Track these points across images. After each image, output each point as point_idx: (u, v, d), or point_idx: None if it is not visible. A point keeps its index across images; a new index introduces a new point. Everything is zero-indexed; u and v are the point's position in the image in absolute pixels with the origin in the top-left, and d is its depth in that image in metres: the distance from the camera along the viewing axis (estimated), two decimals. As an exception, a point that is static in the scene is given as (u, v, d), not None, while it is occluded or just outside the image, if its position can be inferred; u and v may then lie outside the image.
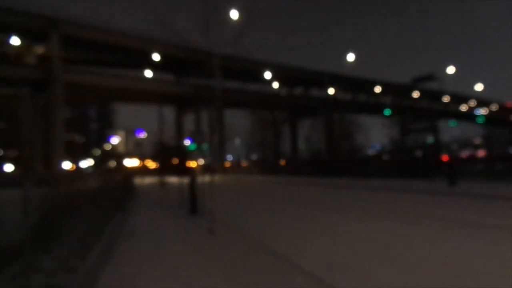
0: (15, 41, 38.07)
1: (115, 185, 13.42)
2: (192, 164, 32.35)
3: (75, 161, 62.94)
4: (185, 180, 14.68)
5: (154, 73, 48.67)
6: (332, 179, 32.64)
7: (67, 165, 50.12)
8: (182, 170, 15.72)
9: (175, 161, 48.57)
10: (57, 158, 40.62)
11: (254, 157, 74.76)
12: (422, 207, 11.80)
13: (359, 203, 13.89)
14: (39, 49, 41.25)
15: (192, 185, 10.92)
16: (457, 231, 7.71)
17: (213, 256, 6.07)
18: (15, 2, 37.17)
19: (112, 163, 71.69)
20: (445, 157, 62.90)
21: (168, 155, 45.55)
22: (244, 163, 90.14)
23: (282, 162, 61.98)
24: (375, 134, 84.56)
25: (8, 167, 55.73)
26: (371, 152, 73.18)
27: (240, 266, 5.38)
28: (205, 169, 27.73)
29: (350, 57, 49.62)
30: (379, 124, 76.30)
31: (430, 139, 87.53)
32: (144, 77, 47.78)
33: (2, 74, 39.38)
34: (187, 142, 45.62)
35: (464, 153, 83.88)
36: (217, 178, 11.68)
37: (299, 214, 11.14)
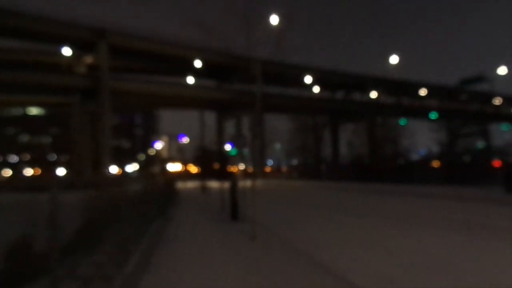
0: (66, 51, 40.18)
1: (158, 189, 13.75)
2: (233, 168, 32.55)
3: (121, 165, 65.40)
4: (226, 185, 14.80)
5: (196, 80, 49.64)
6: (374, 184, 31.77)
7: (114, 169, 52.11)
8: (223, 174, 15.81)
9: (216, 165, 49.23)
10: (105, 163, 42.30)
11: (294, 162, 74.31)
12: (488, 217, 10.71)
13: (411, 211, 13.04)
14: (88, 59, 43.27)
15: (233, 190, 10.88)
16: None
17: (255, 263, 5.93)
18: (66, 14, 39.35)
19: (156, 168, 73.78)
20: (497, 163, 59.65)
21: (209, 160, 46.25)
22: (284, 168, 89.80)
23: (323, 167, 61.22)
24: (422, 139, 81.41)
25: (61, 171, 58.82)
26: (415, 157, 70.60)
27: (284, 274, 5.22)
28: (246, 174, 27.87)
29: (394, 59, 48.28)
30: (426, 128, 73.77)
31: (480, 143, 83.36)
32: (186, 83, 48.84)
33: (54, 83, 41.70)
34: (227, 147, 46.17)
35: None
36: (257, 183, 11.57)
37: (343, 221, 10.69)
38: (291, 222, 10.80)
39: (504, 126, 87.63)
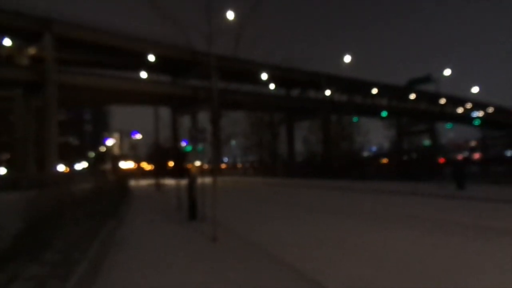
0: (6, 42, 37.38)
1: (108, 187, 12.89)
2: (189, 165, 31.78)
3: (69, 163, 62.16)
4: (182, 182, 14.19)
5: (150, 75, 48.08)
6: (328, 181, 32.25)
7: (61, 168, 49.38)
8: (179, 172, 15.14)
9: (171, 163, 48.02)
10: (51, 161, 39.85)
11: (250, 159, 74.24)
12: (442, 213, 10.80)
13: (368, 207, 13.16)
14: (32, 50, 40.52)
15: (191, 188, 10.22)
16: (497, 240, 6.81)
17: (219, 269, 5.45)
18: (7, 2, 36.46)
19: (107, 165, 70.94)
20: (442, 160, 62.77)
21: (163, 157, 44.96)
22: (239, 165, 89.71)
23: (278, 164, 61.63)
24: (376, 136, 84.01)
25: (0, 170, 54.91)
26: (366, 154, 72.82)
27: (253, 281, 4.81)
28: (202, 170, 27.25)
29: (347, 58, 49.45)
30: (380, 126, 76.35)
31: (426, 141, 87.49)
32: (140, 78, 47.18)
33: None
34: (183, 144, 45.11)
35: (460, 156, 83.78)
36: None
37: (306, 219, 10.43)
38: (252, 220, 10.41)
39: (448, 125, 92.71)
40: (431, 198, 15.18)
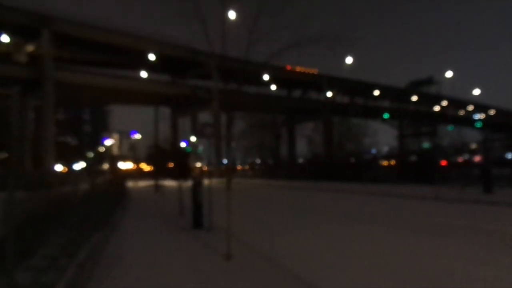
0: (4, 38, 36.59)
1: (105, 189, 12.13)
2: (193, 166, 30.93)
3: (67, 163, 61.36)
4: (184, 184, 13.41)
5: (150, 74, 47.33)
6: (333, 183, 31.57)
7: (58, 167, 48.55)
8: (180, 173, 14.28)
9: (171, 164, 47.25)
10: (48, 160, 39.03)
11: (250, 160, 73.52)
12: (490, 223, 9.63)
13: (396, 213, 12.01)
14: (30, 47, 39.73)
15: (196, 191, 9.13)
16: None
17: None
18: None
19: (105, 166, 70.15)
20: (443, 162, 62.06)
21: (163, 157, 44.19)
22: (239, 167, 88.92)
23: (279, 165, 60.99)
24: (385, 137, 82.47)
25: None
26: (374, 155, 72.05)
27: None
28: (203, 172, 26.48)
29: (348, 60, 48.76)
30: (388, 126, 75.90)
31: (426, 144, 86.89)
32: (139, 77, 46.44)
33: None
34: (183, 144, 44.31)
35: (460, 158, 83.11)
36: (214, 182, 9.55)
37: (330, 229, 9.14)
38: (268, 230, 8.98)
39: (449, 127, 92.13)
40: (461, 203, 14.19)
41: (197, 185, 9.16)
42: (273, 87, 57.13)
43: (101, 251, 6.69)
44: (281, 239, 7.86)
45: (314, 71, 62.44)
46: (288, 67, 57.47)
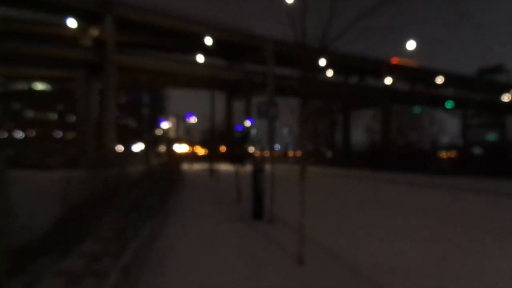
0: (71, 23, 38.22)
1: (161, 170, 12.09)
2: (253, 151, 30.30)
3: (127, 145, 64.02)
4: (241, 169, 13.07)
5: (206, 58, 47.69)
6: (391, 173, 30.18)
7: (119, 148, 50.66)
8: (238, 157, 13.79)
9: (224, 148, 47.62)
10: (110, 141, 40.73)
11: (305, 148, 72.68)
12: None
13: (478, 210, 10.52)
14: (94, 31, 41.28)
15: (257, 178, 8.31)
16: None
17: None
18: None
19: (162, 148, 72.43)
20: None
21: (218, 141, 44.54)
22: (291, 153, 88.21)
23: (332, 153, 59.70)
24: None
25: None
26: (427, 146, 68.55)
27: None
28: (271, 157, 26.16)
29: (411, 45, 46.03)
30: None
31: (491, 136, 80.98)
32: (196, 61, 46.93)
33: (57, 56, 39.89)
34: (246, 125, 44.34)
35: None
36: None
37: (418, 227, 7.91)
38: (340, 227, 7.92)
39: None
40: None
41: (259, 171, 8.40)
42: (330, 72, 55.53)
43: (153, 242, 6.07)
44: (360, 238, 6.87)
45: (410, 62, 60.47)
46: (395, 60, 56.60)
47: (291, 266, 4.94)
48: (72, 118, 68.80)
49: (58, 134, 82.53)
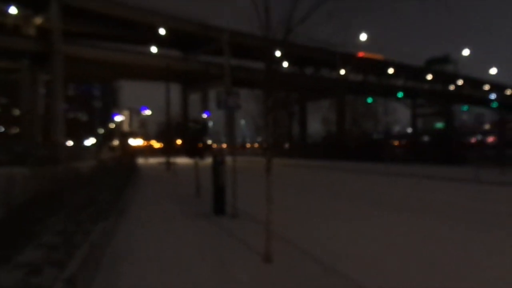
0: (12, 10, 35.69)
1: (114, 165, 11.49)
2: (211, 144, 29.75)
3: (77, 139, 61.27)
4: (200, 162, 12.66)
5: (160, 49, 46.31)
6: (347, 163, 30.86)
7: (68, 143, 48.40)
8: (197, 150, 13.28)
9: (180, 141, 46.76)
10: (58, 136, 38.62)
11: (260, 139, 72.92)
12: None
13: (451, 201, 10.49)
14: (38, 20, 38.77)
15: (217, 171, 8.04)
16: None
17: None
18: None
19: (115, 142, 70.06)
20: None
21: (174, 134, 43.59)
22: (248, 145, 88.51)
23: (290, 144, 60.39)
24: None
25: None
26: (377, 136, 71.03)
27: None
28: (232, 149, 25.82)
29: (363, 37, 47.19)
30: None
31: (438, 124, 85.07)
32: (150, 52, 45.46)
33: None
34: (204, 116, 43.63)
35: (473, 139, 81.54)
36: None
37: (382, 219, 7.71)
38: (304, 220, 7.58)
39: (464, 107, 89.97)
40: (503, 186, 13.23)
41: (219, 164, 8.09)
42: (285, 64, 55.81)
43: (107, 245, 5.55)
44: (322, 232, 6.61)
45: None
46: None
47: (258, 264, 4.65)
48: (16, 112, 64.71)
49: (0, 128, 77.56)
